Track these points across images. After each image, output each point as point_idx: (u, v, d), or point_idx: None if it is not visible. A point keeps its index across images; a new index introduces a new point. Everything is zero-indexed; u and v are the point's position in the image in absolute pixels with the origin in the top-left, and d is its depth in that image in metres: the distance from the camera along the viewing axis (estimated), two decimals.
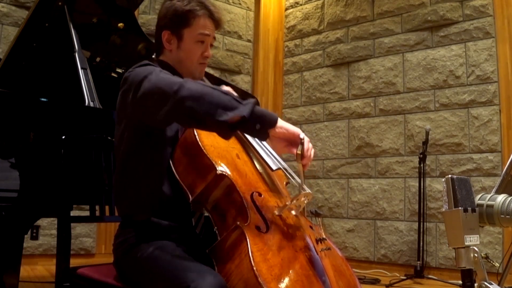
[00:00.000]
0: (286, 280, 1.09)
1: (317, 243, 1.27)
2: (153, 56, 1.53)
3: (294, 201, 1.27)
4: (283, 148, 1.32)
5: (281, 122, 1.23)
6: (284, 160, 1.42)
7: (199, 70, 1.48)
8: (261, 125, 1.18)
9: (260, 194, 1.28)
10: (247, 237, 1.11)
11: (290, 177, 1.36)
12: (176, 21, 1.41)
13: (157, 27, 1.46)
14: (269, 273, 1.07)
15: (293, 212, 1.30)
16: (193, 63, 1.45)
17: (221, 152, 1.29)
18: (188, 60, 1.44)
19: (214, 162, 1.23)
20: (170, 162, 1.30)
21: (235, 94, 1.21)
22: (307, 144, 1.28)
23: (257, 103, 1.21)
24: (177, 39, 1.43)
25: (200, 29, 1.42)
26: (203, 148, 1.25)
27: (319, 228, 1.38)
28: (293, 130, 1.26)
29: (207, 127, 1.20)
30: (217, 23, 1.46)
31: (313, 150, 1.32)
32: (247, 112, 1.14)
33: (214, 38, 1.48)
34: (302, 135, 1.26)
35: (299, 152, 1.25)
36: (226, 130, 1.16)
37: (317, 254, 1.22)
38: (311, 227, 1.37)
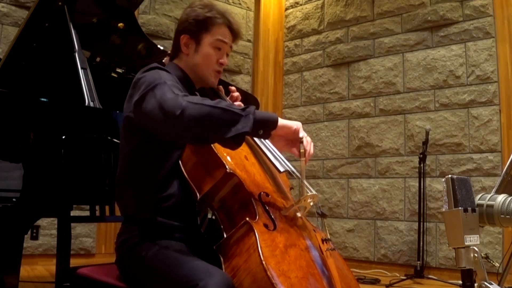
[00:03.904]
0: (294, 276, 1.09)
1: (323, 243, 1.28)
2: (166, 59, 1.54)
3: (302, 202, 1.28)
4: (283, 147, 1.36)
5: (281, 122, 1.26)
6: (288, 161, 1.42)
7: (213, 78, 1.49)
8: (264, 130, 1.23)
9: (267, 195, 1.29)
10: (256, 232, 1.12)
11: (297, 179, 1.37)
12: (195, 26, 1.43)
13: (176, 31, 1.49)
14: (277, 268, 1.08)
15: (299, 214, 1.31)
16: (208, 68, 1.46)
17: (230, 152, 1.30)
18: (204, 65, 1.45)
19: (224, 161, 1.25)
20: (179, 160, 1.31)
21: (232, 105, 1.24)
22: (306, 140, 1.31)
23: (256, 109, 1.23)
24: (195, 43, 1.45)
25: (219, 36, 1.44)
26: (213, 146, 1.27)
27: (323, 229, 1.39)
28: (293, 128, 1.29)
29: (213, 144, 1.26)
30: (235, 34, 1.49)
31: (312, 144, 1.35)
32: (249, 126, 1.18)
33: (231, 48, 1.50)
34: (301, 133, 1.29)
35: (302, 151, 1.29)
36: (231, 144, 1.21)
37: (323, 253, 1.23)
38: (314, 230, 1.37)
